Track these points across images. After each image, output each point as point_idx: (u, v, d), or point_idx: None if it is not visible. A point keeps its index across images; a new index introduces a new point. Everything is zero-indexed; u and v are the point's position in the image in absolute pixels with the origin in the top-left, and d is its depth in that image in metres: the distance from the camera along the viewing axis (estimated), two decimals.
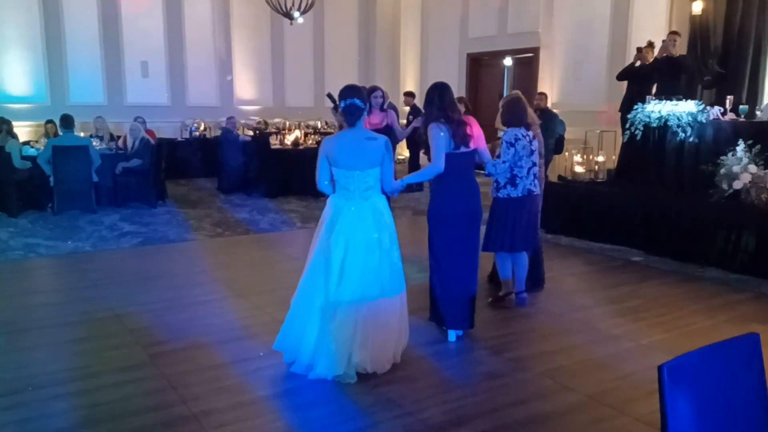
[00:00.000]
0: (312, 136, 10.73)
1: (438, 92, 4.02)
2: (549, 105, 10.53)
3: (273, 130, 11.24)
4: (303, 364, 3.52)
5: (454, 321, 4.09)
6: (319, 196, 9.44)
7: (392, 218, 3.70)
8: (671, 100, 7.00)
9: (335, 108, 7.74)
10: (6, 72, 10.90)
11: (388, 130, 5.98)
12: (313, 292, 3.52)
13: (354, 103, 3.55)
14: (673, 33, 7.94)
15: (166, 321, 4.42)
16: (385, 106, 6.25)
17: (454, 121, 3.95)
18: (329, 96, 7.56)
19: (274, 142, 10.10)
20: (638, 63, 8.21)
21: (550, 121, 8.34)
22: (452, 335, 4.10)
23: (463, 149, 3.96)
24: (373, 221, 3.55)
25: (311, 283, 3.54)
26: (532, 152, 4.57)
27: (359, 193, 3.55)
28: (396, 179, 3.77)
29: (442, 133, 3.90)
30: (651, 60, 8.10)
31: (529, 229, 4.71)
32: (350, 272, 3.48)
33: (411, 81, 13.66)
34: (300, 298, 3.60)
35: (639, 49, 8.19)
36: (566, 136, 8.63)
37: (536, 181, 4.66)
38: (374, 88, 6.07)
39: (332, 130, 9.91)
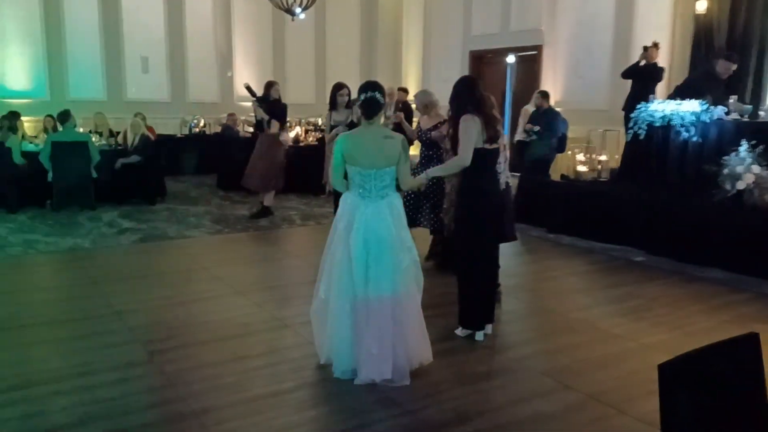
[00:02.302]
0: (313, 133, 10.70)
1: (469, 85, 4.04)
2: (552, 103, 10.54)
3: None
4: (345, 369, 3.47)
5: (488, 317, 4.11)
6: (319, 194, 9.45)
7: None
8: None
9: (257, 100, 7.73)
10: (6, 67, 10.87)
11: (353, 127, 5.99)
12: (340, 294, 3.45)
13: (374, 96, 3.51)
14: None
15: (165, 318, 4.41)
16: (357, 103, 6.24)
17: (487, 115, 3.93)
18: (248, 88, 7.56)
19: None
20: (643, 62, 8.19)
21: (552, 120, 8.34)
22: (481, 335, 4.06)
23: (493, 145, 3.98)
24: (392, 219, 3.48)
25: (337, 286, 3.46)
26: None
27: (376, 191, 3.48)
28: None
29: (475, 127, 3.88)
30: (656, 60, 8.10)
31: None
32: (376, 270, 3.41)
33: (413, 78, 13.63)
34: (325, 301, 3.52)
35: (645, 48, 8.16)
36: (569, 135, 8.62)
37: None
38: (340, 86, 6.08)
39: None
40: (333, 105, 6.20)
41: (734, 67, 7.22)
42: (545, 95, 8.62)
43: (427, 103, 5.80)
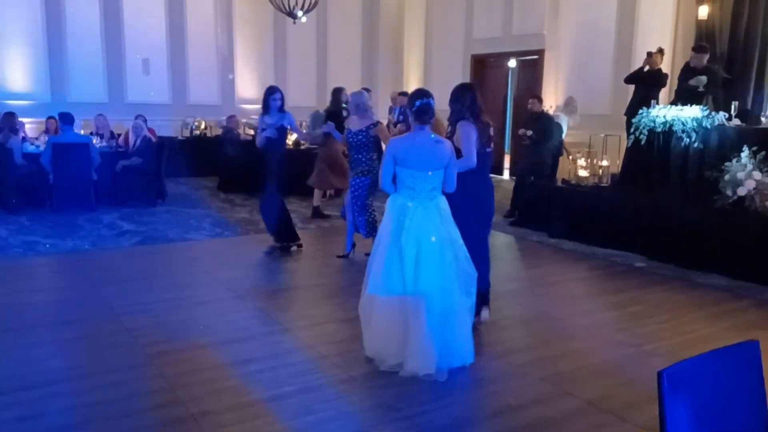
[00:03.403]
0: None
1: (466, 93, 4.26)
2: (554, 108, 10.52)
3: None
4: (391, 363, 3.59)
5: (484, 300, 4.35)
6: (321, 197, 9.44)
7: None
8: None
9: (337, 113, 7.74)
10: (7, 68, 10.88)
11: (283, 131, 6.06)
12: (389, 291, 3.60)
13: (429, 103, 3.71)
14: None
15: (165, 321, 4.39)
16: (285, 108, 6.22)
17: (481, 122, 4.18)
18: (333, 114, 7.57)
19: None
20: (647, 68, 8.19)
21: (547, 125, 8.34)
22: (486, 314, 4.39)
23: (486, 149, 4.21)
24: (441, 219, 3.66)
25: (386, 283, 3.61)
26: None
27: (425, 193, 3.64)
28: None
29: (474, 132, 4.09)
30: (660, 66, 8.10)
31: None
32: (426, 270, 3.56)
33: (414, 82, 13.62)
34: (375, 300, 3.66)
35: (649, 54, 8.16)
36: (570, 140, 8.64)
37: None
38: (274, 90, 6.06)
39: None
40: (266, 108, 6.08)
41: (706, 56, 7.52)
42: (539, 99, 8.57)
43: (359, 104, 5.83)
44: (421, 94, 3.78)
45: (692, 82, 7.39)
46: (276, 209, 6.30)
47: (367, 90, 11.33)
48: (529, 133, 8.13)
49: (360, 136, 5.78)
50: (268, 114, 6.06)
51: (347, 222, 6.14)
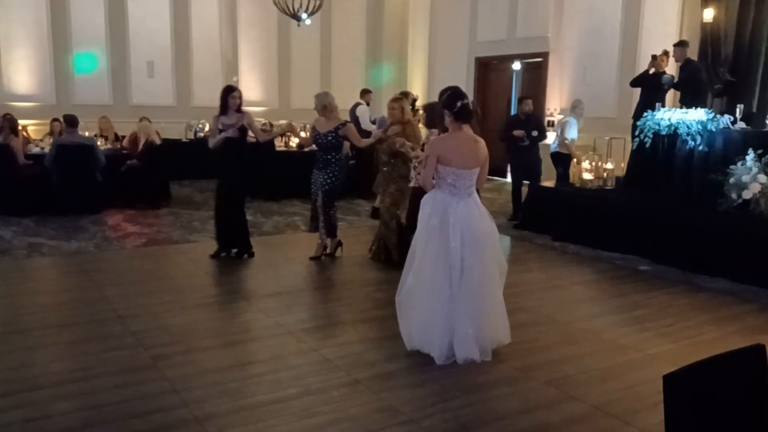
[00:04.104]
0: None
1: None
2: (558, 110, 10.51)
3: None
4: (441, 353, 3.74)
5: None
6: None
7: None
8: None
9: None
10: (13, 71, 10.94)
11: (244, 131, 5.92)
12: (436, 284, 3.76)
13: (470, 103, 3.89)
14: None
15: (168, 323, 4.39)
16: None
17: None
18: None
19: (279, 144, 10.07)
20: (652, 70, 8.17)
21: (540, 125, 8.35)
22: None
23: None
24: (480, 213, 3.89)
25: (432, 276, 3.76)
26: None
27: (464, 189, 3.85)
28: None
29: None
30: (665, 68, 8.08)
31: None
32: (470, 261, 3.76)
33: (418, 84, 13.63)
34: (421, 292, 3.80)
35: (654, 57, 8.15)
36: (577, 142, 8.64)
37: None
38: (232, 89, 5.97)
39: None
40: (224, 108, 5.91)
41: (686, 49, 7.84)
42: (527, 100, 8.49)
43: (326, 104, 5.86)
44: (461, 95, 3.92)
45: (663, 80, 7.79)
46: (234, 216, 6.11)
47: (368, 91, 11.27)
48: (534, 133, 8.04)
49: (329, 137, 5.85)
50: (226, 114, 5.92)
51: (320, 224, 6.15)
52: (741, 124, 6.82)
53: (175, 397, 3.29)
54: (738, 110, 6.92)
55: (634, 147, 7.35)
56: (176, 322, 4.43)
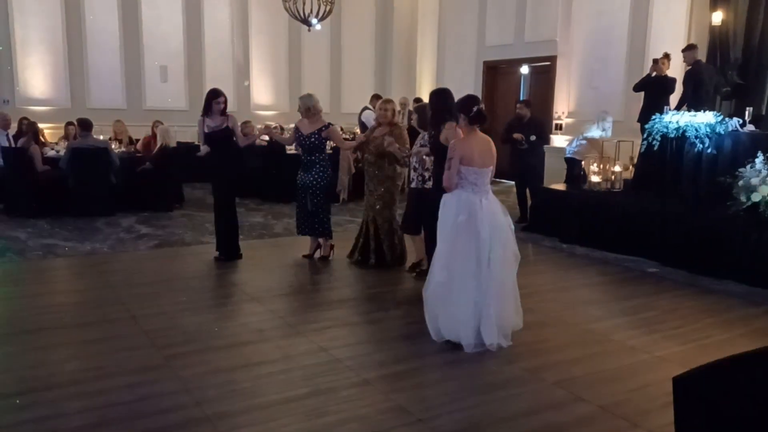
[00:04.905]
0: (327, 142, 10.73)
1: (444, 97, 4.91)
2: (566, 114, 10.51)
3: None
4: (470, 342, 3.96)
5: None
6: (333, 201, 9.46)
7: None
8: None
9: None
10: (29, 75, 11.09)
11: (227, 134, 5.94)
12: (466, 276, 3.98)
13: (483, 108, 4.17)
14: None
15: (181, 323, 4.46)
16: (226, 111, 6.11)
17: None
18: None
19: (290, 148, 10.12)
20: (654, 74, 8.20)
21: (542, 128, 8.36)
22: None
23: None
24: (500, 208, 4.15)
25: (462, 270, 3.98)
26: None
27: (483, 186, 4.12)
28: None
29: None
30: (666, 72, 8.10)
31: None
32: (495, 252, 4.01)
33: (427, 88, 13.67)
34: (444, 285, 4.01)
35: (655, 61, 8.18)
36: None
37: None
38: (218, 93, 5.99)
39: (347, 136, 9.92)
40: (208, 111, 5.93)
41: (695, 52, 7.98)
42: (527, 104, 8.48)
43: (309, 107, 5.92)
44: (477, 100, 4.23)
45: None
46: (222, 219, 6.13)
47: (379, 97, 11.35)
48: (533, 137, 8.00)
49: (312, 139, 5.94)
50: (210, 117, 5.93)
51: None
52: (750, 127, 6.81)
53: (188, 397, 3.34)
54: (747, 113, 6.91)
55: (643, 149, 7.35)
56: (188, 322, 4.49)
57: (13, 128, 9.25)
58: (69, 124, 9.69)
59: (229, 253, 6.16)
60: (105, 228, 7.55)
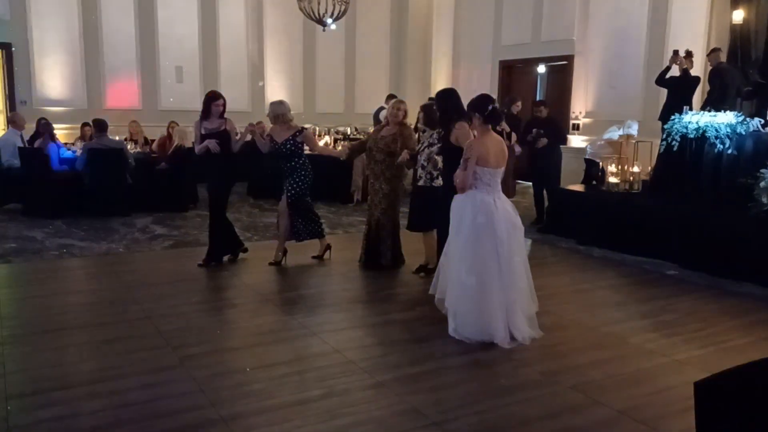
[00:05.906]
0: (341, 143, 10.74)
1: (452, 98, 5.05)
2: (583, 114, 10.40)
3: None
4: (503, 337, 4.04)
5: None
6: (347, 202, 9.50)
7: None
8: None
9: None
10: (46, 76, 11.21)
11: (226, 136, 5.90)
12: (491, 276, 4.04)
13: (497, 108, 4.23)
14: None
15: (196, 324, 4.46)
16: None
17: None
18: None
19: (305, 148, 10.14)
20: (674, 66, 8.12)
21: (557, 128, 8.28)
22: None
23: None
24: (512, 208, 4.25)
25: (487, 270, 4.04)
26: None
27: (496, 186, 4.17)
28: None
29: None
30: (685, 67, 7.99)
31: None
32: (513, 250, 4.10)
33: (442, 88, 13.64)
34: (481, 287, 4.05)
35: (675, 52, 8.06)
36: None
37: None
38: (217, 96, 5.94)
39: (361, 136, 9.91)
40: (206, 114, 5.89)
41: (719, 54, 7.93)
42: (545, 105, 8.39)
43: (279, 114, 5.89)
44: (491, 99, 4.26)
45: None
46: (210, 222, 6.10)
47: (394, 97, 11.33)
48: (544, 141, 7.89)
49: (288, 145, 5.92)
50: (208, 119, 5.90)
51: (282, 228, 6.18)
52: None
53: (202, 397, 3.34)
54: None
55: (662, 150, 7.25)
56: (203, 322, 4.50)
57: (31, 129, 9.33)
58: (85, 124, 9.77)
59: (211, 256, 6.06)
60: (120, 228, 7.60)
